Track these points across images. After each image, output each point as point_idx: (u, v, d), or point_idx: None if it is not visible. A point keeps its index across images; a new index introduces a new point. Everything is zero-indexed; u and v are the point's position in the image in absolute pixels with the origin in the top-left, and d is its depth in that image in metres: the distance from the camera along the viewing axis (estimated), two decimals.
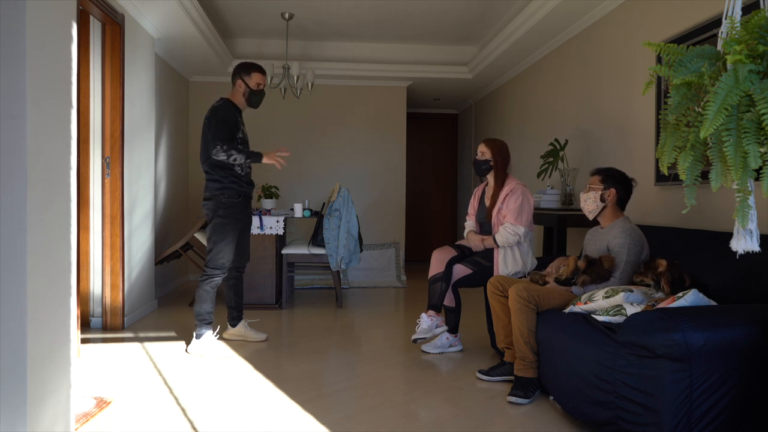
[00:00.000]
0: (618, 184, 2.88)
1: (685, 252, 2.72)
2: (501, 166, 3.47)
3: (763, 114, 1.37)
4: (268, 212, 4.81)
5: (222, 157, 3.35)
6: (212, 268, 3.46)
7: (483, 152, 3.48)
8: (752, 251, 1.56)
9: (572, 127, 4.69)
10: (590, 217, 2.94)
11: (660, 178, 3.42)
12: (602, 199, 2.87)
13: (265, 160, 3.47)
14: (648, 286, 2.42)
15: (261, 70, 3.60)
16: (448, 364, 3.33)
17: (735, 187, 1.49)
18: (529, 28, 4.71)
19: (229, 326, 3.76)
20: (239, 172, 3.50)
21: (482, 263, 3.42)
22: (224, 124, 3.41)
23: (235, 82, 3.59)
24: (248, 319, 3.88)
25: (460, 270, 3.42)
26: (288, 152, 3.56)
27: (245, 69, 3.58)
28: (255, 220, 4.65)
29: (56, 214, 2.00)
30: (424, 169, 8.52)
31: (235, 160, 3.37)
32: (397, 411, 2.60)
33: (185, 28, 4.66)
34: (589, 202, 2.91)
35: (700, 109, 1.53)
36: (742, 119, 1.44)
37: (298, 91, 5.37)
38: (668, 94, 1.62)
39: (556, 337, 2.55)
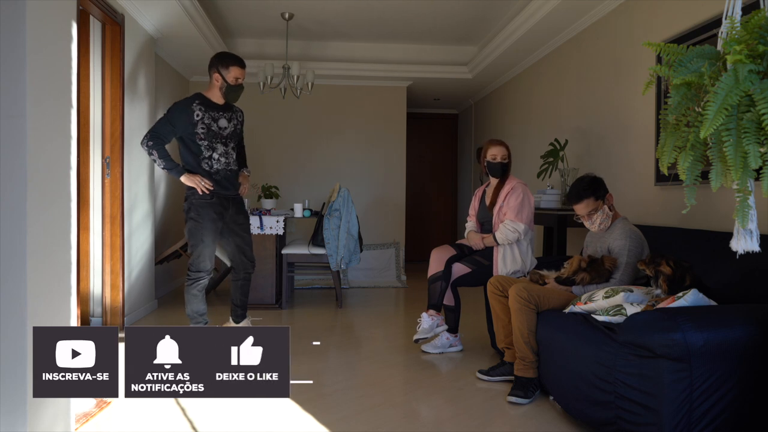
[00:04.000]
0: (603, 186, 2.85)
1: (685, 252, 2.71)
2: (510, 166, 3.52)
3: (763, 114, 1.37)
4: (268, 212, 4.81)
5: (145, 151, 3.30)
6: (195, 271, 3.36)
7: (503, 155, 3.48)
8: (752, 251, 1.56)
9: (572, 127, 4.69)
10: (605, 228, 2.88)
11: (660, 178, 3.42)
12: (610, 209, 2.85)
13: (183, 179, 3.30)
14: (647, 277, 2.42)
15: (240, 63, 3.36)
16: (448, 364, 3.33)
17: (735, 187, 1.49)
18: (529, 28, 4.71)
19: (231, 320, 3.73)
20: (207, 169, 3.33)
21: (481, 262, 3.42)
22: (166, 123, 3.29)
23: (212, 75, 3.35)
24: (252, 317, 3.85)
25: (459, 269, 3.42)
26: (211, 187, 3.31)
27: (222, 61, 3.33)
28: (255, 220, 4.63)
29: (56, 214, 2.00)
30: (424, 169, 8.52)
31: (154, 160, 3.29)
32: (397, 411, 2.60)
33: (185, 27, 4.66)
34: (600, 221, 2.83)
35: (700, 109, 1.53)
36: (742, 119, 1.44)
37: (298, 91, 5.36)
38: (668, 94, 1.62)
39: (556, 337, 2.55)
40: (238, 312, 3.69)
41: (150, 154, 3.28)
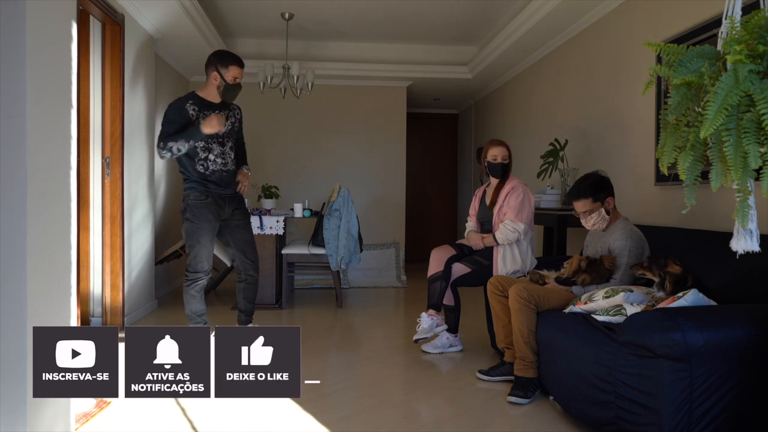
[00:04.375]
0: (606, 189, 2.83)
1: (685, 252, 2.71)
2: (511, 166, 3.53)
3: (763, 114, 1.37)
4: (268, 212, 4.81)
5: (166, 155, 3.20)
6: (192, 272, 3.33)
7: (504, 156, 3.48)
8: (752, 251, 1.56)
9: (572, 127, 4.69)
10: (600, 230, 2.88)
11: (660, 178, 3.42)
12: (607, 212, 2.84)
13: (206, 129, 3.16)
14: (648, 279, 2.41)
15: (239, 62, 3.32)
16: (448, 364, 3.33)
17: (735, 187, 1.49)
18: (529, 28, 4.71)
19: (238, 324, 3.67)
20: (202, 171, 3.29)
21: (481, 262, 3.42)
22: (168, 123, 3.25)
23: (209, 74, 3.30)
24: (257, 324, 3.82)
25: (459, 269, 3.42)
26: (222, 126, 3.21)
27: (221, 60, 3.29)
28: (255, 220, 4.62)
29: (56, 214, 2.00)
30: (424, 169, 8.52)
31: (179, 150, 3.18)
32: (397, 411, 2.60)
33: (185, 27, 4.66)
34: (594, 221, 2.83)
35: (700, 109, 1.53)
36: (742, 119, 1.44)
37: (298, 91, 5.36)
38: (668, 94, 1.62)
39: (556, 337, 2.55)
40: (242, 318, 3.62)
41: (170, 150, 3.18)
